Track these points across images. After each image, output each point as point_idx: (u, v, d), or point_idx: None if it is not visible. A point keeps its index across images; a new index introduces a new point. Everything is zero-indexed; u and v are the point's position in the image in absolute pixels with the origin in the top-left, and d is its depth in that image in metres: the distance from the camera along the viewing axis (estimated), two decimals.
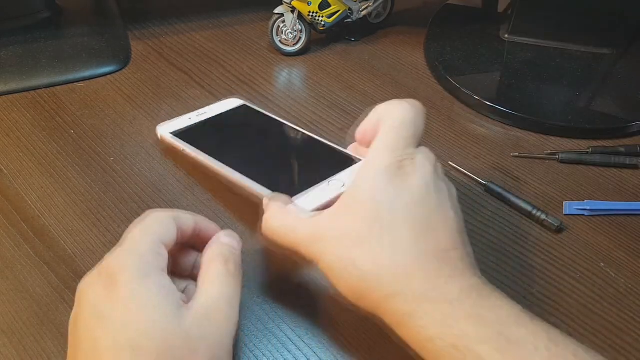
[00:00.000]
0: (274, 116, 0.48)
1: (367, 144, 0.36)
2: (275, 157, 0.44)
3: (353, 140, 0.40)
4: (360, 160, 0.41)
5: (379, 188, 0.32)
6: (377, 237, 0.31)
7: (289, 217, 0.34)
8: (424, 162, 0.34)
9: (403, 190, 0.32)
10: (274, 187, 0.38)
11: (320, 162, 0.43)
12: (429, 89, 0.57)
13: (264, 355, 0.36)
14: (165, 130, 0.47)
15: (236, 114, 0.50)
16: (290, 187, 0.38)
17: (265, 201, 0.37)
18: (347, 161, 0.41)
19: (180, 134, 0.47)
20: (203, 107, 0.50)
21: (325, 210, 0.33)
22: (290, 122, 0.47)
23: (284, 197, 0.36)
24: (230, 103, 0.51)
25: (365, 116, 0.37)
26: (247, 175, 0.40)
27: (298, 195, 0.37)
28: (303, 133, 0.46)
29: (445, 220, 0.32)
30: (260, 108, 0.50)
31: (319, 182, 0.39)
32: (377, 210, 0.31)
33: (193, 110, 0.50)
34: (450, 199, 0.34)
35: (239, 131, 0.48)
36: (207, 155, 0.43)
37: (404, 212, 0.31)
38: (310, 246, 0.32)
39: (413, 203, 0.32)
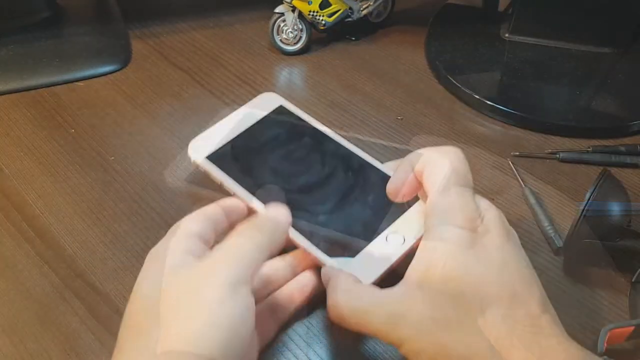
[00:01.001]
0: (317, 126, 0.43)
1: (404, 197, 0.35)
2: (326, 202, 0.38)
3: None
4: (417, 198, 0.37)
5: (459, 263, 0.29)
6: (467, 318, 0.28)
7: (360, 299, 0.31)
8: (494, 219, 0.31)
9: (484, 260, 0.30)
10: (329, 244, 0.35)
11: (372, 207, 0.38)
12: (429, 88, 0.57)
13: (264, 357, 0.36)
14: (200, 153, 0.40)
15: (275, 123, 0.43)
16: (346, 244, 0.35)
17: (325, 274, 0.34)
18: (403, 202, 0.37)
19: (217, 159, 0.40)
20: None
21: (398, 289, 0.30)
22: (333, 133, 0.42)
23: (346, 273, 0.33)
24: (267, 101, 0.44)
25: (398, 168, 0.36)
26: (299, 231, 0.36)
27: (358, 258, 0.35)
28: (354, 155, 0.41)
29: (528, 281, 0.30)
30: (298, 110, 0.44)
31: (375, 236, 0.36)
32: (461, 287, 0.29)
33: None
34: (521, 250, 0.32)
35: (278, 158, 0.40)
36: (250, 196, 0.37)
37: (489, 284, 0.29)
38: (390, 332, 0.29)
39: (496, 272, 0.30)
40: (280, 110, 0.43)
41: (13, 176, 0.46)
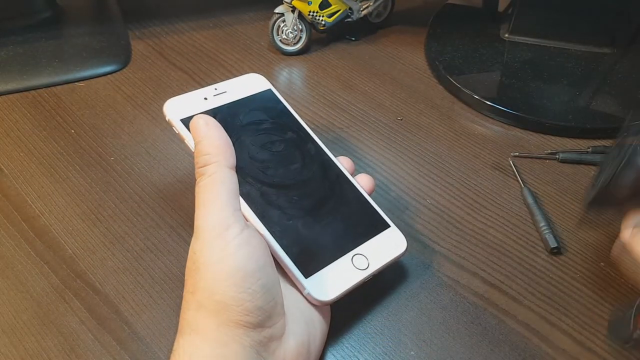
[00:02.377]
0: (300, 121, 0.41)
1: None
2: (295, 207, 0.36)
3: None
4: (388, 225, 0.38)
5: None
6: None
7: None
8: None
9: None
10: (294, 251, 0.34)
11: (342, 224, 0.37)
12: (429, 88, 0.57)
13: None
14: (175, 113, 0.38)
15: (259, 105, 0.40)
16: (311, 256, 0.34)
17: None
18: (374, 225, 0.37)
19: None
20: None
21: None
22: (314, 132, 0.41)
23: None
24: (253, 82, 0.42)
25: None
26: (265, 226, 0.34)
27: (321, 273, 0.34)
28: (332, 164, 0.39)
29: None
30: (284, 100, 0.42)
31: (341, 255, 0.35)
32: None
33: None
34: None
35: (254, 145, 0.38)
36: None
37: None
38: None
39: None
40: (267, 95, 0.42)
41: (13, 176, 0.46)
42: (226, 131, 0.36)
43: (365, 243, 0.36)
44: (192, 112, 0.37)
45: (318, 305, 0.34)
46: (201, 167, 0.33)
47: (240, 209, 0.33)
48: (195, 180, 0.33)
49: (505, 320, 0.38)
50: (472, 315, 0.38)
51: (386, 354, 0.36)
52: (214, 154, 0.34)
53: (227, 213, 0.31)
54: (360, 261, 0.35)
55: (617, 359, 0.36)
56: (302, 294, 0.34)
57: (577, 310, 0.39)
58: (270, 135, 0.39)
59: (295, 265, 0.34)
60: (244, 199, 0.34)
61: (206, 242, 0.31)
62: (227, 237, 0.31)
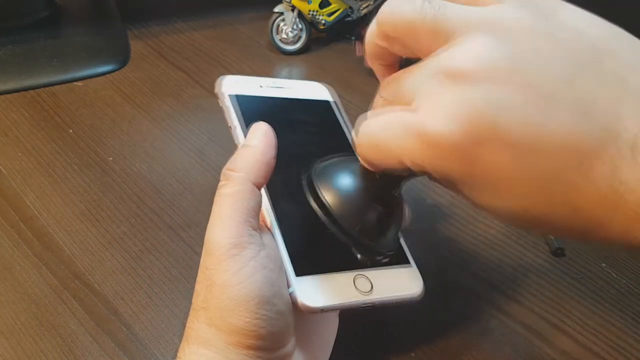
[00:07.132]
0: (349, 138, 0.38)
1: None
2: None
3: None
4: (409, 263, 0.34)
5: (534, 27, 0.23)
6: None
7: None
8: None
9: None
10: (296, 251, 0.31)
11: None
12: None
13: None
14: (227, 88, 0.36)
15: (314, 113, 0.39)
16: (313, 257, 0.32)
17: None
18: (394, 256, 0.33)
19: (239, 102, 0.36)
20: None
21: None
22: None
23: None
24: (316, 90, 0.40)
25: None
26: (276, 220, 0.32)
27: (316, 278, 0.31)
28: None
29: None
30: (343, 117, 0.39)
31: (346, 269, 0.32)
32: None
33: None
34: None
35: (297, 146, 0.36)
36: None
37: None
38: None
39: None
40: (324, 105, 0.39)
41: (11, 177, 0.46)
42: (273, 121, 0.33)
43: (377, 269, 0.33)
44: (244, 92, 0.36)
45: (300, 310, 0.30)
46: (231, 170, 0.31)
47: (258, 228, 0.30)
48: (220, 179, 0.31)
49: (506, 321, 0.38)
50: (472, 315, 0.38)
51: (386, 354, 0.36)
52: (250, 166, 0.31)
53: (243, 232, 0.29)
54: (363, 283, 0.32)
55: (617, 359, 0.36)
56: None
57: (578, 311, 0.38)
58: (313, 141, 0.37)
59: (290, 259, 0.31)
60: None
61: (221, 261, 0.29)
62: (243, 259, 0.28)
